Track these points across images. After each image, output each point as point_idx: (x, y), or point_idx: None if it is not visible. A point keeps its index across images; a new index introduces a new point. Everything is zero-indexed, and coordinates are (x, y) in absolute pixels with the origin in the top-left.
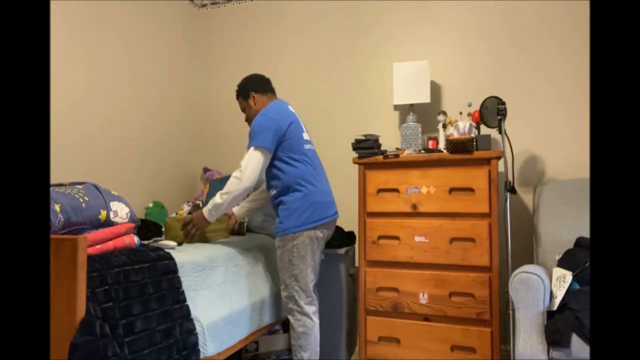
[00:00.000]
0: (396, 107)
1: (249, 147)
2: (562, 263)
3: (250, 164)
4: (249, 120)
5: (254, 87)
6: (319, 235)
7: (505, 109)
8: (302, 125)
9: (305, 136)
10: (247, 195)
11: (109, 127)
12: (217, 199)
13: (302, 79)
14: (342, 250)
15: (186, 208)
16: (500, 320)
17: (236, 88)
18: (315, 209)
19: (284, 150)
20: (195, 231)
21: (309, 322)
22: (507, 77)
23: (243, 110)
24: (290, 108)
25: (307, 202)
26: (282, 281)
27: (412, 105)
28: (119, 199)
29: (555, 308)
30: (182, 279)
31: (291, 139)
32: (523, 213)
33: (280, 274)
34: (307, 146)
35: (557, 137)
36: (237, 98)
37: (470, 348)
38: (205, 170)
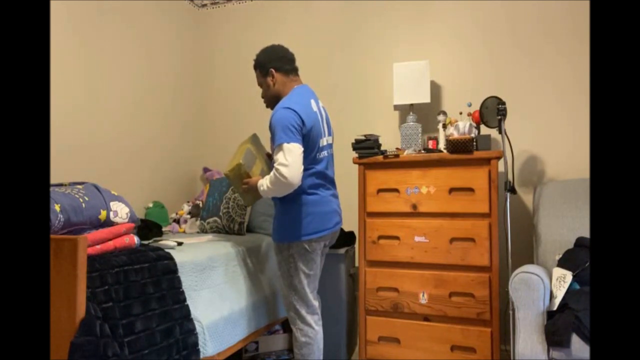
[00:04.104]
0: (396, 107)
1: (279, 143)
2: (562, 263)
3: (295, 160)
4: (265, 99)
5: (276, 64)
6: (315, 247)
7: (505, 109)
8: (322, 127)
9: (323, 142)
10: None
11: (108, 127)
12: (265, 187)
13: (302, 79)
14: (342, 250)
15: (186, 208)
16: (500, 320)
17: (254, 57)
18: (313, 220)
19: None
20: (251, 195)
21: (311, 332)
22: (507, 77)
23: (260, 85)
24: (313, 104)
25: (304, 211)
26: (281, 288)
27: (412, 105)
28: (119, 199)
29: (555, 308)
30: (182, 279)
31: (306, 147)
32: (523, 213)
33: (279, 281)
34: (321, 154)
35: (557, 137)
36: (255, 69)
37: (470, 348)
38: (205, 170)
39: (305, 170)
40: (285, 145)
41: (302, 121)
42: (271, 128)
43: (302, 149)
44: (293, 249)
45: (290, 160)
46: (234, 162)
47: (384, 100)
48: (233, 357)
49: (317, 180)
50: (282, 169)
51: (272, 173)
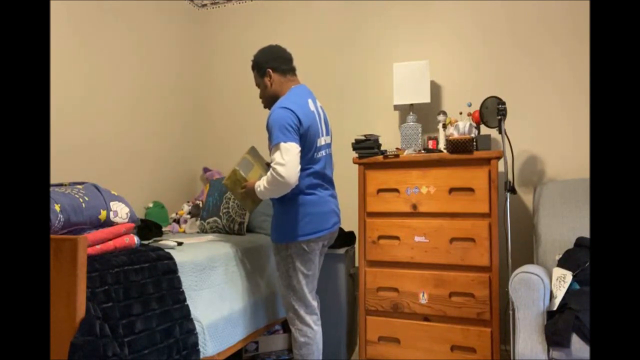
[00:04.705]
0: (396, 107)
1: (276, 142)
2: (562, 263)
3: (292, 160)
4: (263, 99)
5: (273, 65)
6: (313, 247)
7: (505, 109)
8: (320, 127)
9: (321, 141)
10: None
11: (108, 127)
12: (262, 187)
13: (302, 79)
14: (342, 250)
15: (186, 208)
16: (500, 320)
17: (252, 58)
18: (310, 221)
19: None
20: (251, 199)
21: (310, 332)
22: (507, 77)
23: (257, 85)
24: (310, 104)
25: (302, 212)
26: (279, 288)
27: (412, 105)
28: (119, 199)
29: (555, 308)
30: (182, 279)
31: (304, 147)
32: (523, 213)
33: (278, 281)
34: (319, 154)
35: (557, 137)
36: (253, 70)
37: (470, 348)
38: (205, 170)
39: (303, 170)
40: (282, 144)
41: (299, 121)
42: (268, 128)
43: (299, 148)
44: (291, 249)
45: (287, 159)
46: (230, 171)
47: (384, 100)
48: (233, 357)
49: (315, 181)
50: (279, 168)
51: (269, 173)
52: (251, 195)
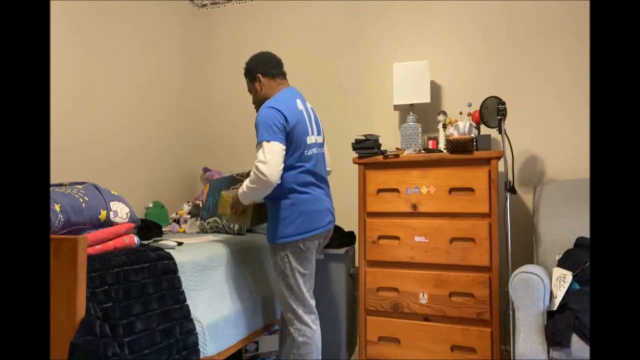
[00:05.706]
0: (396, 107)
1: (260, 140)
2: (562, 263)
3: (274, 158)
4: (255, 104)
5: (262, 69)
6: (309, 246)
7: (505, 109)
8: (309, 126)
9: (311, 139)
10: None
11: (108, 127)
12: (244, 188)
13: (302, 79)
14: (342, 250)
15: (186, 208)
16: (500, 320)
17: (244, 65)
18: (304, 220)
19: None
20: (235, 211)
21: (308, 332)
22: (507, 77)
23: (249, 91)
24: (299, 103)
25: (297, 211)
26: (277, 289)
27: (412, 105)
28: (119, 199)
29: (555, 308)
30: (182, 279)
31: (291, 144)
32: (523, 213)
33: (276, 281)
34: (309, 151)
35: (557, 137)
36: (245, 77)
37: (470, 348)
38: (205, 170)
39: (294, 168)
40: (265, 143)
41: (286, 119)
42: (255, 127)
43: (284, 147)
44: (287, 249)
45: (270, 157)
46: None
47: (384, 100)
48: (233, 357)
49: (307, 179)
50: (261, 166)
51: (251, 172)
52: (237, 205)
